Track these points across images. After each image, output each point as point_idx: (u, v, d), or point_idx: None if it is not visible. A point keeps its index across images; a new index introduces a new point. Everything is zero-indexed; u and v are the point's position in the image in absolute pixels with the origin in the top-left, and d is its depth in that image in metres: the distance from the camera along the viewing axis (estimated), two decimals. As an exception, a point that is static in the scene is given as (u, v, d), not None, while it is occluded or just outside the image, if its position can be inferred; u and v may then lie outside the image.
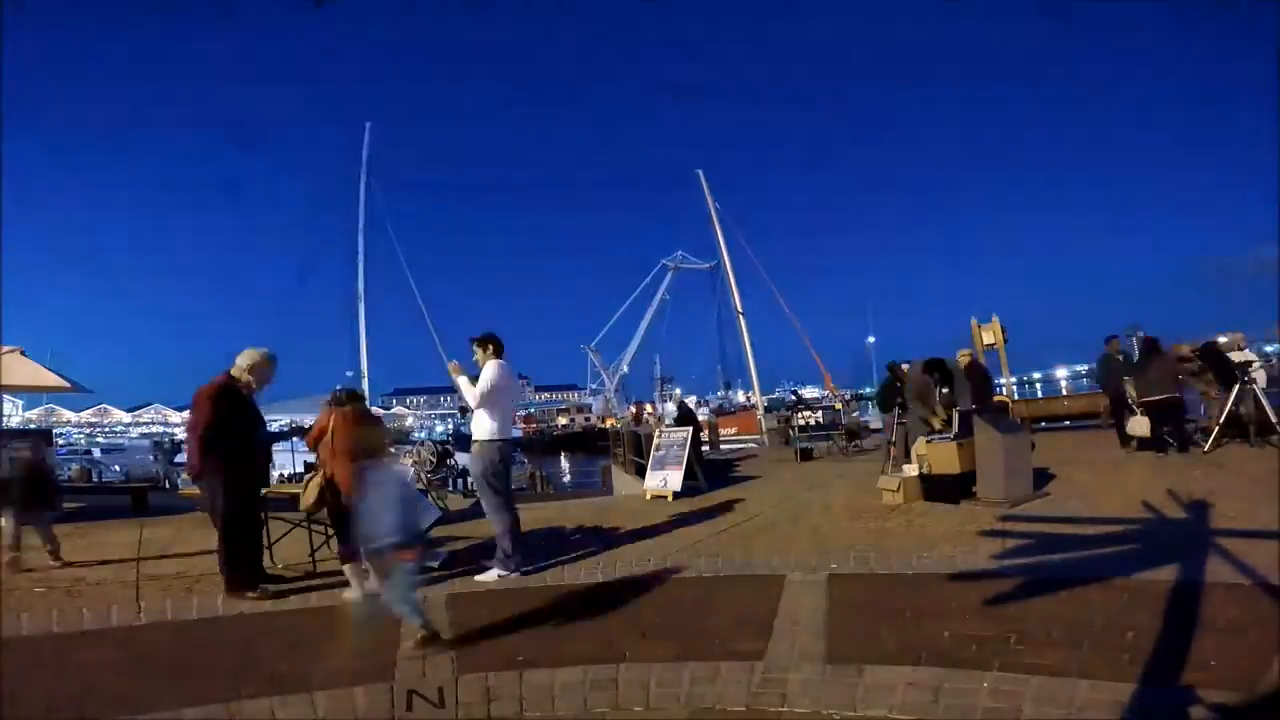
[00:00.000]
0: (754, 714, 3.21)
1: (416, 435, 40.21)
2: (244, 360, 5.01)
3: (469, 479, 12.48)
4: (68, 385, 9.99)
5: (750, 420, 21.42)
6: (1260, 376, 8.55)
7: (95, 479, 22.36)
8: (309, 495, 4.85)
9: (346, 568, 4.72)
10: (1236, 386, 8.40)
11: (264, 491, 5.42)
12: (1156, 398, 8.76)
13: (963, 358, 9.90)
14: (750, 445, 21.16)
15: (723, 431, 21.40)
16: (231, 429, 4.76)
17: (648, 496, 9.30)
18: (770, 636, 3.77)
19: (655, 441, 10.04)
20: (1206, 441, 8.56)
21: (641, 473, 10.25)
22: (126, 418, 56.65)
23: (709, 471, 10.55)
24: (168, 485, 19.96)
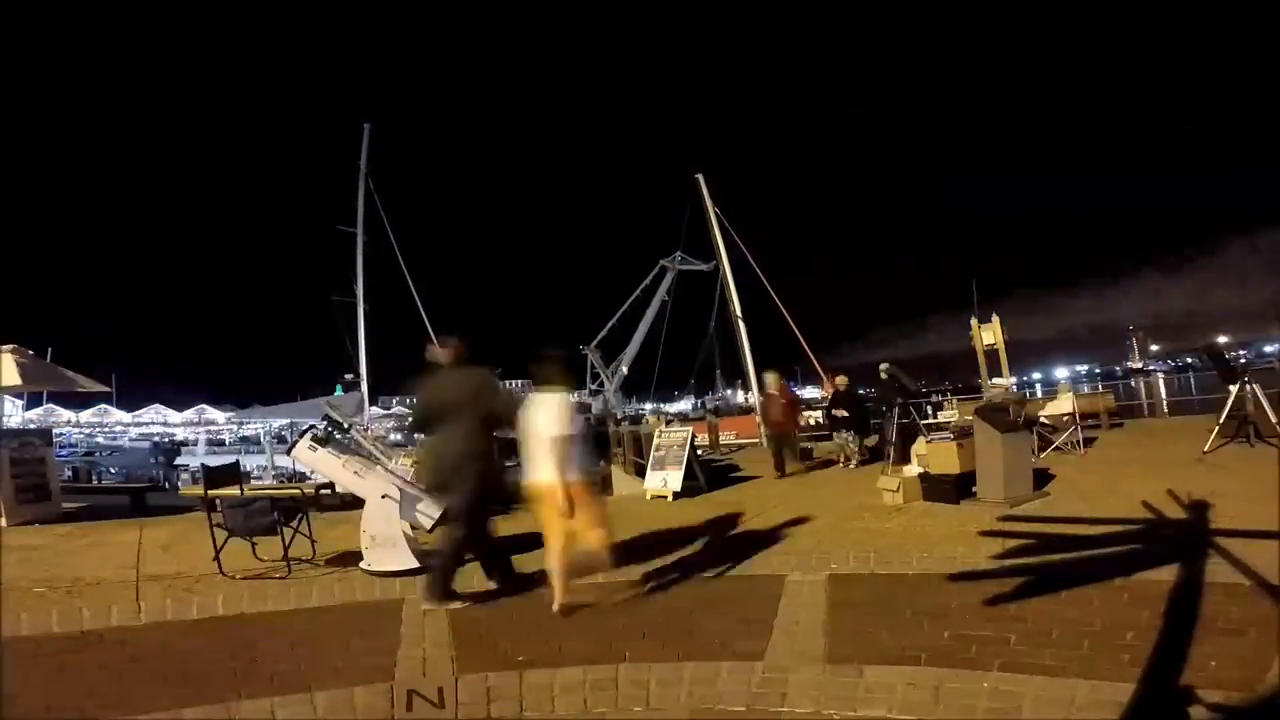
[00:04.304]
0: (754, 714, 3.21)
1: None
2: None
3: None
4: (87, 384, 9.99)
5: (749, 422, 21.38)
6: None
7: (95, 479, 22.37)
8: None
9: None
10: (1236, 386, 8.40)
11: (269, 492, 5.44)
12: None
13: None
14: (750, 447, 21.11)
15: (721, 433, 21.36)
16: None
17: (648, 496, 9.30)
18: (770, 636, 3.77)
19: (655, 441, 10.04)
20: (1207, 441, 8.56)
21: (641, 473, 10.24)
22: (126, 418, 56.52)
23: (707, 472, 10.54)
24: (167, 486, 19.97)
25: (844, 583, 4.52)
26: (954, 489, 6.86)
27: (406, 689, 3.41)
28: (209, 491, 6.42)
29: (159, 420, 57.66)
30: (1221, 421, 8.51)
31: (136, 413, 57.61)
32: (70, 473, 21.65)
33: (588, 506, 4.26)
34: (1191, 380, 15.08)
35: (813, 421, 18.48)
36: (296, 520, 5.81)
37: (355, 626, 4.24)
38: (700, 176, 22.43)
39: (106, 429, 52.73)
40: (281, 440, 25.92)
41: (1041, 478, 7.40)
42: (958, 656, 3.34)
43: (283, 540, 5.59)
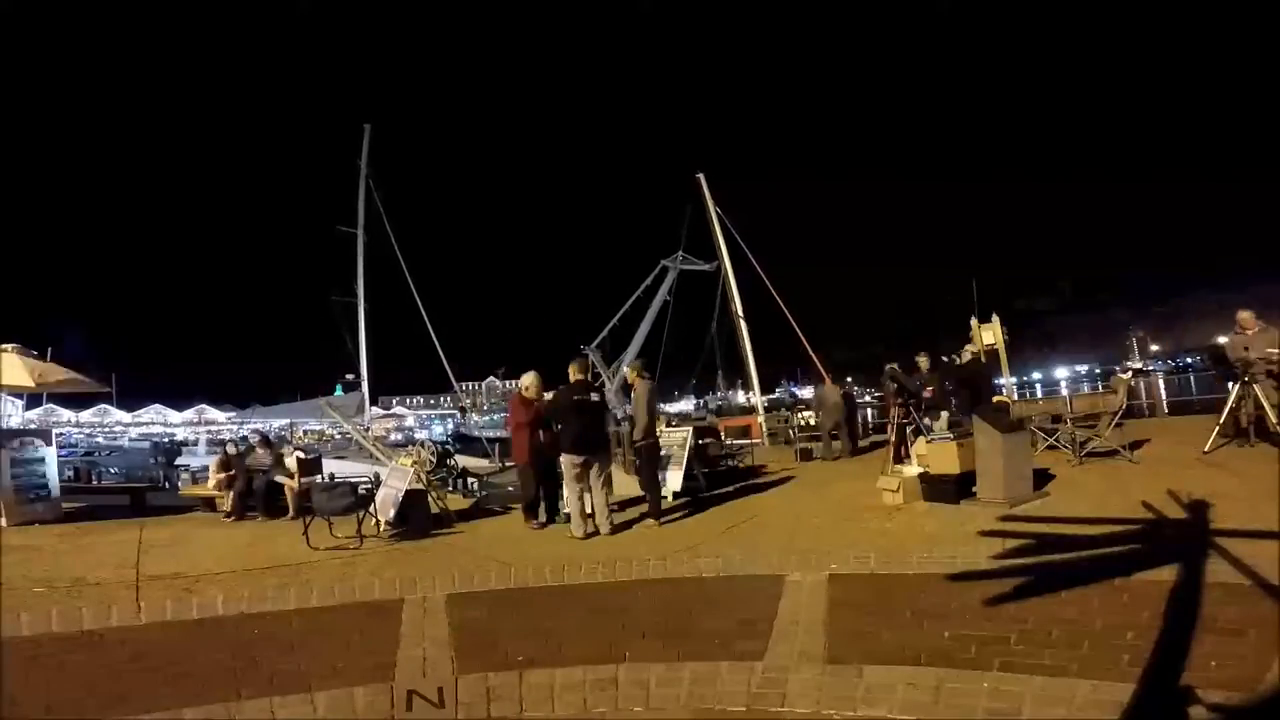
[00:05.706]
0: (754, 714, 3.21)
1: (417, 435, 40.11)
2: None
3: (468, 479, 12.47)
4: (87, 382, 9.97)
5: (752, 421, 21.38)
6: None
7: (95, 479, 22.37)
8: None
9: None
10: (1237, 385, 8.39)
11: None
12: None
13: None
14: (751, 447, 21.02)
15: (723, 433, 21.38)
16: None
17: (648, 496, 9.28)
18: (770, 636, 3.77)
19: (655, 442, 10.02)
20: (1207, 441, 8.55)
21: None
22: (126, 417, 56.53)
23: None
24: (167, 485, 19.97)
25: (844, 583, 4.52)
26: (954, 489, 6.85)
27: (406, 689, 3.41)
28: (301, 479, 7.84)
29: (159, 420, 57.72)
30: (1221, 421, 8.51)
31: (136, 413, 57.67)
32: (71, 473, 21.65)
33: None
34: (1192, 380, 15.04)
35: (812, 421, 18.48)
36: (369, 504, 6.80)
37: (355, 626, 4.24)
38: (701, 176, 22.43)
39: (106, 429, 52.73)
40: (282, 440, 25.86)
41: (1041, 478, 7.39)
42: (958, 656, 3.34)
43: (357, 519, 6.51)
